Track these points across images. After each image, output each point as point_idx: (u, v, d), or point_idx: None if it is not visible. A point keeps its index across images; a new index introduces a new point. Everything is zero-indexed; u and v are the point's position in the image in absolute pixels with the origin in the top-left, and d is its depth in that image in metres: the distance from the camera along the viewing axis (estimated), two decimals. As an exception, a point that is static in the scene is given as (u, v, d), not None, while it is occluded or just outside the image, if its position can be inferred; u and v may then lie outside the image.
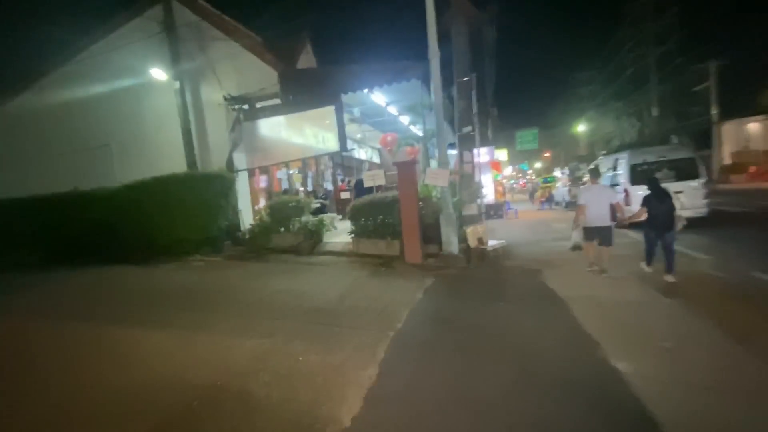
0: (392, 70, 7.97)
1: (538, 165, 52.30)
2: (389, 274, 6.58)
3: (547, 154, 51.88)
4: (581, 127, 43.85)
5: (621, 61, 36.47)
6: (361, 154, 16.79)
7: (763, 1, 27.81)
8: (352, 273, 6.68)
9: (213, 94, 9.47)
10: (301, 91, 8.70)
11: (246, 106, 9.34)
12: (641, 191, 7.23)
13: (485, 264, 6.97)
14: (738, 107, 27.08)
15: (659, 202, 5.61)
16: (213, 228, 8.21)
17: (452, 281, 6.11)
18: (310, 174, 13.78)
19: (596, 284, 5.58)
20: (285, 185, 11.96)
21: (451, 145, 9.87)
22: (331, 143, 8.93)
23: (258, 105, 9.27)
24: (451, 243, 7.20)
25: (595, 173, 6.80)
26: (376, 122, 13.24)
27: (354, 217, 7.90)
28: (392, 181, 8.46)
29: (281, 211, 8.57)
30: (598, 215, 5.95)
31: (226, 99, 9.39)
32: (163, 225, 7.87)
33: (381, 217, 7.70)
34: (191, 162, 9.06)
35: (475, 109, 8.08)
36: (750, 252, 6.88)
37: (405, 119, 12.96)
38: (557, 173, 39.63)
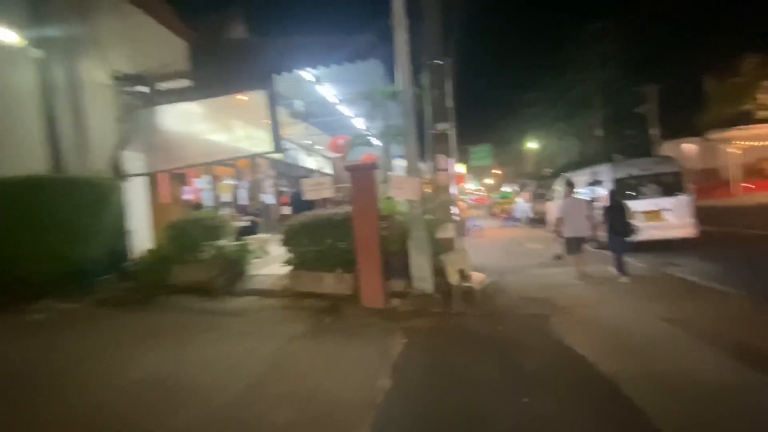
0: (345, 47, 6.00)
1: (489, 181, 52.84)
2: (338, 331, 4.43)
3: (497, 171, 52.64)
4: (529, 146, 44.85)
5: (566, 83, 37.77)
6: (309, 162, 14.55)
7: (697, 31, 29.79)
8: (281, 330, 4.43)
9: (96, 71, 6.87)
10: (221, 69, 6.44)
11: (145, 89, 6.86)
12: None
13: (472, 307, 5.05)
14: (676, 129, 28.37)
15: (619, 213, 6.45)
16: (78, 257, 5.57)
17: (433, 343, 4.08)
18: (245, 184, 11.32)
19: (640, 343, 3.83)
20: (209, 197, 9.41)
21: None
22: (268, 145, 6.69)
23: (161, 87, 6.83)
24: (423, 278, 5.23)
25: (570, 186, 7.19)
26: (325, 123, 11.16)
27: (290, 241, 5.69)
28: (346, 195, 6.41)
29: (187, 234, 6.13)
30: (577, 226, 6.42)
31: (116, 78, 6.86)
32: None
33: (329, 241, 5.58)
34: (55, 163, 6.35)
35: (450, 103, 6.31)
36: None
37: (360, 122, 11.02)
38: (506, 189, 39.78)
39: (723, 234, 10.50)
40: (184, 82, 6.66)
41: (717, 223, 11.22)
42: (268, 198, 11.48)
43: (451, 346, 3.97)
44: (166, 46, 6.64)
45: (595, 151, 32.88)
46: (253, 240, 7.15)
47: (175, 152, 6.89)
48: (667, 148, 29.60)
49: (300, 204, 6.67)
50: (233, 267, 6.18)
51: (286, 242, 5.69)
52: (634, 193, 9.07)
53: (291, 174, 12.30)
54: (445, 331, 4.38)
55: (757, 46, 22.32)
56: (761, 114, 22.69)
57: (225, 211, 7.93)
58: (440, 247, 5.57)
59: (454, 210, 7.07)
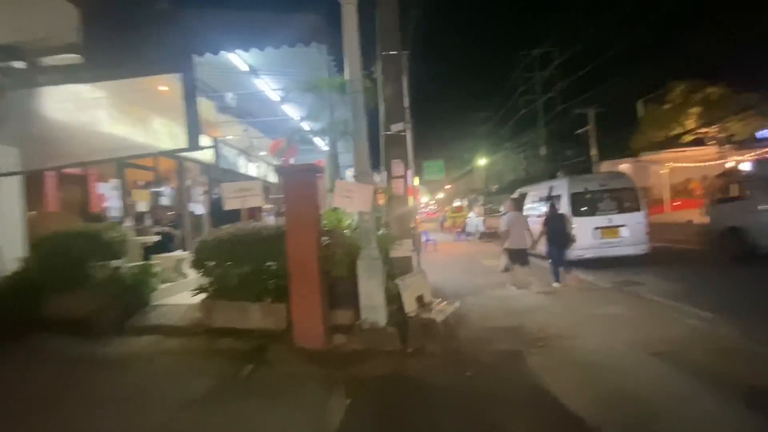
0: (284, 27, 4.97)
1: (440, 196, 53.52)
2: (257, 389, 3.25)
3: (448, 186, 53.52)
4: (479, 163, 46.12)
5: (513, 104, 39.42)
6: (251, 169, 13.07)
7: (632, 58, 32.34)
8: (176, 390, 3.18)
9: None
10: (123, 45, 5.10)
11: (21, 64, 5.32)
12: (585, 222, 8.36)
13: (433, 343, 4.11)
14: (612, 150, 30.19)
15: (559, 223, 7.06)
16: None
17: (385, 403, 3.06)
18: (168, 191, 9.71)
19: (635, 389, 3.09)
20: (116, 205, 7.77)
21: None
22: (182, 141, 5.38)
23: (42, 63, 5.33)
24: (375, 307, 4.23)
25: (516, 203, 8.26)
26: (268, 125, 9.94)
27: (203, 261, 4.44)
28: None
29: (67, 252, 4.66)
30: (519, 239, 6.78)
31: (-21, 49, 5.26)
32: None
33: (255, 261, 4.42)
34: None
35: (407, 102, 5.48)
36: (743, 301, 5.32)
37: (307, 125, 9.94)
38: (457, 203, 40.31)
39: (668, 250, 10.61)
40: (74, 58, 5.23)
41: (658, 239, 11.40)
42: (198, 208, 9.92)
43: (410, 407, 2.98)
44: (50, 12, 5.19)
45: (538, 169, 34.32)
46: (164, 259, 5.75)
47: (60, 146, 5.36)
48: (604, 168, 31.49)
49: (222, 215, 5.42)
50: (131, 295, 4.78)
51: (197, 263, 4.44)
52: (589, 208, 8.81)
53: (228, 181, 10.80)
54: (401, 382, 3.38)
55: (684, 74, 24.38)
56: (687, 138, 24.60)
57: (128, 223, 6.40)
58: (395, 269, 4.63)
59: (411, 224, 6.20)
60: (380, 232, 4.71)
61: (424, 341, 4.11)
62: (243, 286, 4.43)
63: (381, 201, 5.10)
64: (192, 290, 4.57)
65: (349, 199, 4.24)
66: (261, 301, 4.41)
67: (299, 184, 4.04)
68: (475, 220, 19.72)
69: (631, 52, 33.12)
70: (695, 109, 24.92)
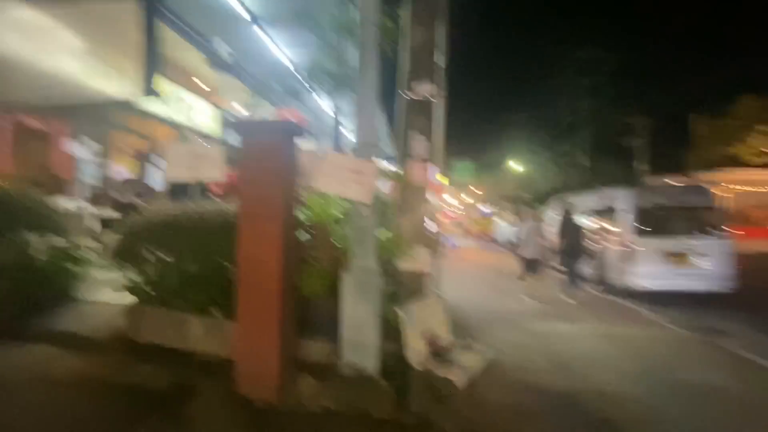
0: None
1: (467, 199, 51.46)
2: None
3: (477, 190, 51.46)
4: (512, 168, 43.87)
5: (555, 108, 36.90)
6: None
7: (691, 68, 29.39)
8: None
9: None
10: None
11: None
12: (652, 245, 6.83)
13: (446, 413, 2.65)
14: (661, 165, 27.50)
15: (575, 233, 7.01)
16: None
17: None
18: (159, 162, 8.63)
19: None
20: (94, 173, 6.68)
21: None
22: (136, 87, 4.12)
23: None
24: (362, 344, 2.81)
25: (529, 209, 8.72)
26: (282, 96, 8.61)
27: (128, 253, 3.15)
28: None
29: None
30: (534, 248, 6.94)
31: None
32: None
33: (205, 258, 3.10)
34: None
35: (442, 60, 4.01)
36: None
37: (326, 104, 8.61)
38: (484, 208, 38.26)
39: (752, 287, 8.61)
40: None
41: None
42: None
43: None
44: None
45: (578, 180, 31.89)
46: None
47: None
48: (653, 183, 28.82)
49: (178, 191, 4.12)
50: (44, 284, 3.56)
51: (122, 254, 3.14)
52: (658, 228, 7.03)
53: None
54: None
55: (752, 88, 21.60)
56: (751, 159, 21.83)
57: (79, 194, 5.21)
58: (400, 289, 3.19)
59: (431, 226, 4.74)
60: (382, 233, 3.27)
61: (432, 408, 2.65)
62: (184, 291, 3.12)
63: (390, 190, 3.66)
64: (119, 289, 3.29)
65: (341, 182, 2.82)
66: (206, 315, 3.09)
67: (262, 149, 2.66)
68: (506, 228, 17.89)
69: (692, 59, 30.08)
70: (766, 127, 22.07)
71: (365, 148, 3.02)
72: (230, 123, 6.46)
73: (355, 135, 3.13)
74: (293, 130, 2.87)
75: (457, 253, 12.39)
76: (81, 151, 6.42)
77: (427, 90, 3.66)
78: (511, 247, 15.91)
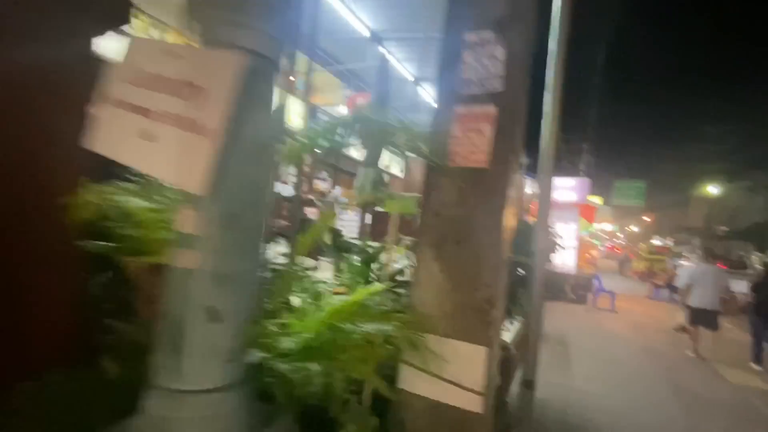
0: None
1: (634, 229, 42.16)
2: None
3: (647, 218, 41.78)
4: (703, 193, 34.04)
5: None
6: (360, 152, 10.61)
7: None
8: None
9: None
10: None
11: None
12: None
13: None
14: None
15: None
16: None
17: None
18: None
19: None
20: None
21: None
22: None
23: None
24: None
25: (708, 251, 6.44)
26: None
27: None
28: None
29: None
30: (706, 297, 5.63)
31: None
32: None
33: None
34: None
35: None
36: None
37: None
38: (656, 242, 30.16)
39: None
40: None
41: None
42: (286, 189, 8.04)
43: None
44: None
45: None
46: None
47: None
48: None
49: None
50: None
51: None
52: None
53: (339, 167, 8.60)
54: None
55: None
56: None
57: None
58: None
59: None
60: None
61: None
62: None
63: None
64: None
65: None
66: None
67: None
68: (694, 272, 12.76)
69: None
70: None
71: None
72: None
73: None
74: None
75: (608, 302, 8.82)
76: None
77: None
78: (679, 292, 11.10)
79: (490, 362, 1.34)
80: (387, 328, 1.26)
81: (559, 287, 9.24)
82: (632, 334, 6.71)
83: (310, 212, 4.91)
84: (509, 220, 1.42)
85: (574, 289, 9.50)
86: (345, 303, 1.27)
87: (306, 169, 7.59)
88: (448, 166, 1.45)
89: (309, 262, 2.82)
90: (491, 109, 1.41)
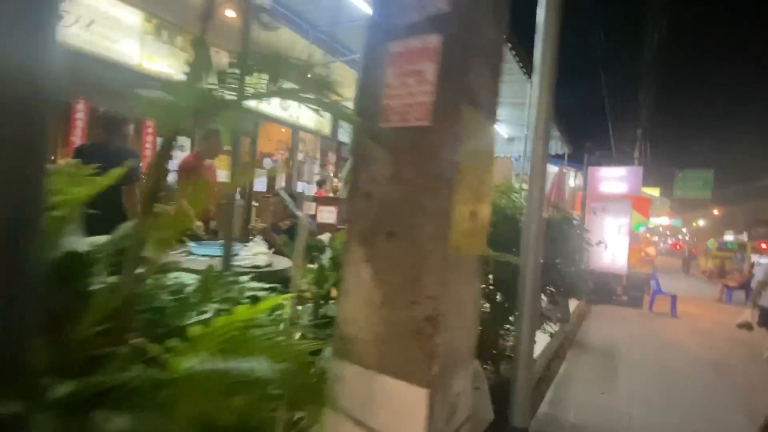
0: None
1: (701, 223, 38.30)
2: None
3: (717, 211, 37.82)
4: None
5: None
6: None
7: None
8: None
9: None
10: None
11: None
12: None
13: None
14: None
15: None
16: None
17: None
18: (307, 162, 8.13)
19: None
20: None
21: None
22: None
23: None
24: None
25: None
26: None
27: None
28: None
29: None
30: None
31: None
32: None
33: None
34: None
35: None
36: None
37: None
38: (729, 237, 27.06)
39: None
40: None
41: None
42: (301, 186, 7.90)
43: None
44: None
45: None
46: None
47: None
48: None
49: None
50: None
51: None
52: None
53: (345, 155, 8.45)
54: None
55: None
56: None
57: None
58: None
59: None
60: None
61: None
62: None
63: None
64: None
65: None
66: None
67: None
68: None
69: None
70: None
71: None
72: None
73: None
74: None
75: (667, 306, 7.73)
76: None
77: None
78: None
79: (433, 411, 0.90)
80: (279, 366, 0.82)
81: (609, 289, 8.27)
82: (697, 345, 5.74)
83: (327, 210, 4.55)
84: (466, 201, 0.96)
85: (627, 291, 8.48)
86: (218, 326, 0.88)
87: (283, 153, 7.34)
88: (380, 127, 1.03)
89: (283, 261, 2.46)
90: (434, 40, 0.96)
